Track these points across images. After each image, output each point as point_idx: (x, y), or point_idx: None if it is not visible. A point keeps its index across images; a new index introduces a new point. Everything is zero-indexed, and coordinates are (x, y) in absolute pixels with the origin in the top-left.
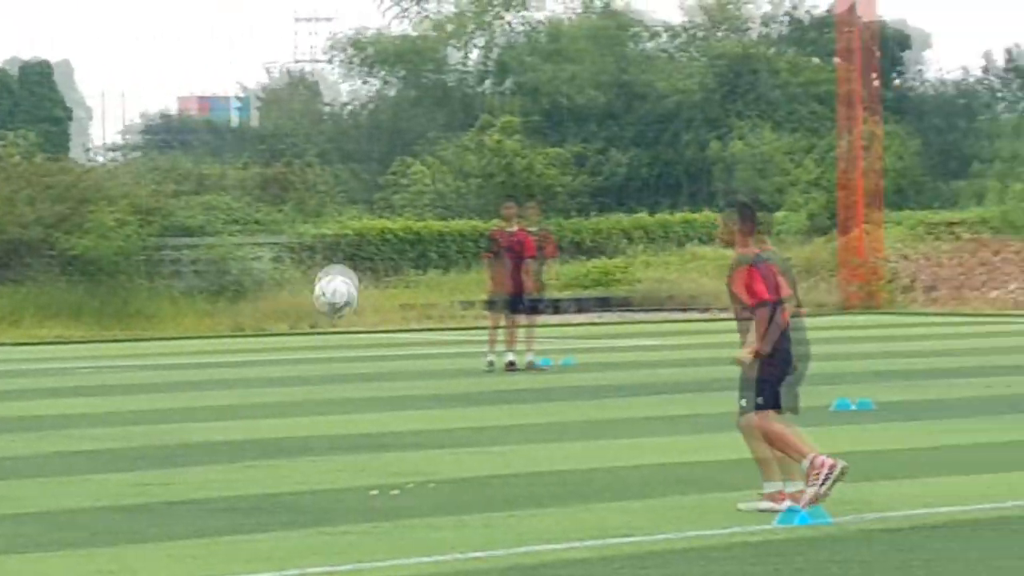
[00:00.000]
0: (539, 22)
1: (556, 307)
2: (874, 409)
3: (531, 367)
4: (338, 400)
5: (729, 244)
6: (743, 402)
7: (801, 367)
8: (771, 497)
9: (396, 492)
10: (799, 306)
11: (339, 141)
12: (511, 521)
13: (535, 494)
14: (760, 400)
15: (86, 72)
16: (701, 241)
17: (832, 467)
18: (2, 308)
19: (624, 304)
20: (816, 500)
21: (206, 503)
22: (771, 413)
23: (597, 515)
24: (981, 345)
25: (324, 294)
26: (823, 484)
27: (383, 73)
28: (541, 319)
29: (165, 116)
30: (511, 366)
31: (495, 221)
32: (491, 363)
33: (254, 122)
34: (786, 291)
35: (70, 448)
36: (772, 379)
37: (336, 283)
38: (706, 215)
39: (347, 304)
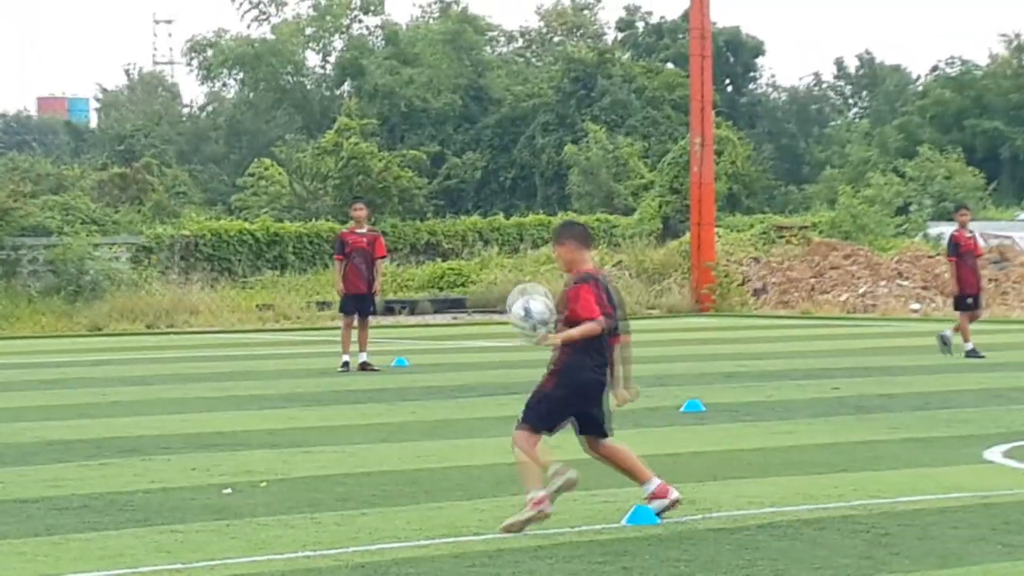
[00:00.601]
0: (378, 27)
1: (411, 308)
2: (706, 410)
3: (365, 367)
4: (194, 399)
5: (566, 266)
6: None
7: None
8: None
9: (237, 491)
10: (623, 332)
11: (181, 143)
12: (364, 519)
13: (388, 492)
14: (529, 414)
15: None
16: (543, 243)
17: (537, 507)
18: None
19: (476, 305)
20: (515, 528)
21: (59, 500)
22: (539, 438)
23: (449, 513)
24: (830, 347)
25: (525, 314)
26: (526, 519)
27: (240, 76)
28: (390, 320)
29: (13, 116)
30: (365, 366)
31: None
32: (346, 364)
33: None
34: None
35: None
36: (561, 399)
37: (537, 303)
38: (545, 218)
39: (543, 323)
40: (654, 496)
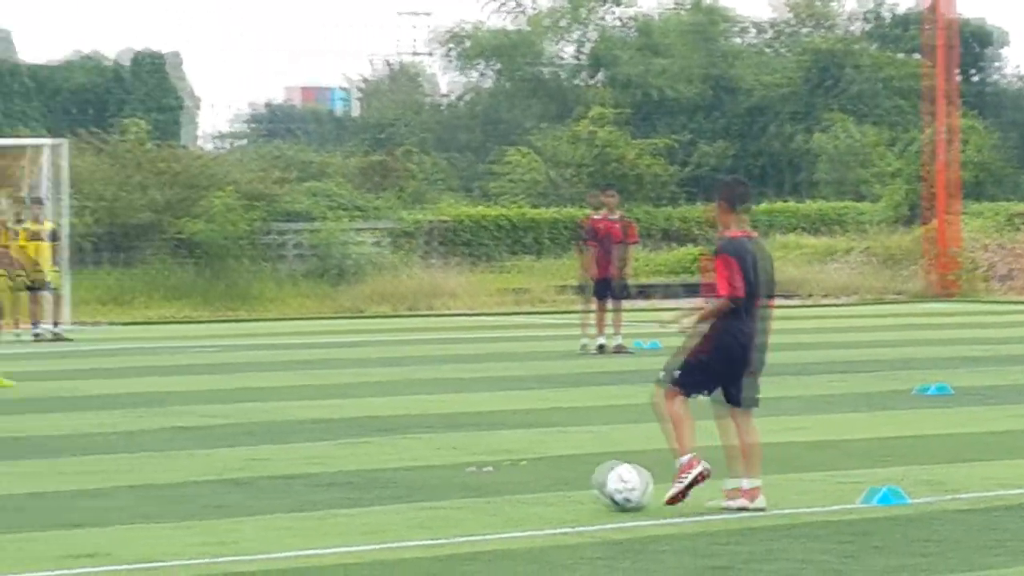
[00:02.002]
0: (630, 18)
1: (645, 293)
2: (953, 394)
3: (619, 350)
4: (451, 380)
5: (713, 225)
6: (661, 373)
7: (757, 360)
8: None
9: (490, 469)
10: (771, 296)
11: (439, 131)
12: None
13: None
14: (678, 376)
15: (194, 63)
16: (789, 230)
17: (699, 473)
18: (116, 289)
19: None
20: (677, 499)
21: (322, 477)
22: (681, 398)
23: (697, 493)
24: None
25: (622, 488)
26: (687, 485)
27: (481, 66)
28: (641, 304)
29: (272, 106)
30: (601, 349)
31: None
32: (584, 346)
33: (356, 112)
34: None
35: (195, 424)
36: (704, 369)
37: (636, 485)
38: (793, 205)
39: (630, 501)
40: (743, 493)
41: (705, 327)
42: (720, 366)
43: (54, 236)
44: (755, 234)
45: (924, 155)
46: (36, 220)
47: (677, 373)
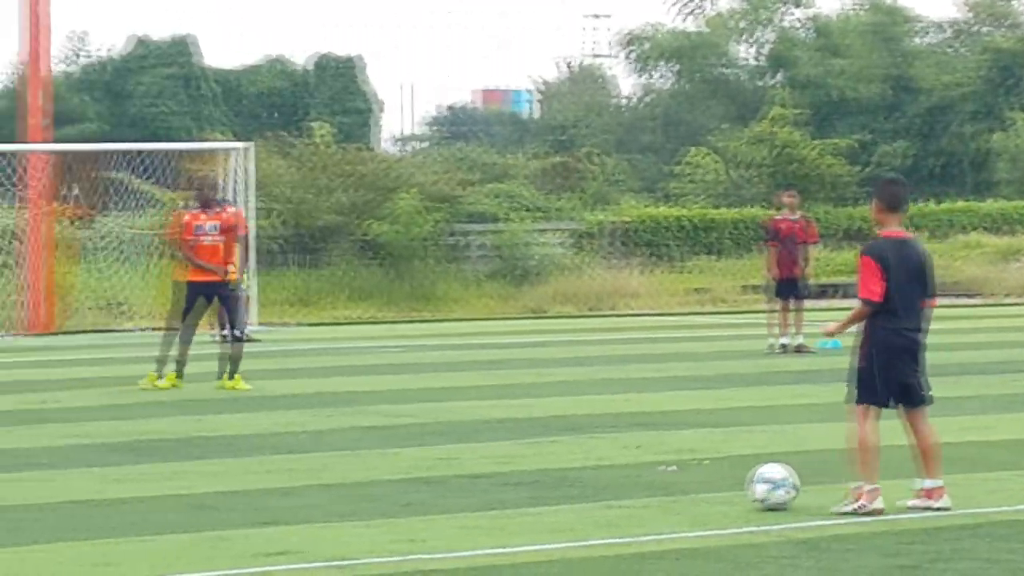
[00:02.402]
0: (808, 19)
1: (826, 292)
2: None
3: (800, 349)
4: (634, 379)
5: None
6: (846, 391)
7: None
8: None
9: (674, 468)
10: (931, 296)
11: (620, 133)
12: (803, 497)
13: (825, 471)
14: (855, 392)
15: (378, 67)
16: (970, 229)
17: (865, 508)
18: (310, 290)
19: None
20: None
21: (500, 477)
22: (872, 412)
23: (884, 491)
24: None
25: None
26: (850, 509)
27: (660, 67)
28: (823, 303)
29: (455, 108)
30: (784, 348)
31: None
32: (783, 346)
33: (537, 114)
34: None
35: (383, 423)
36: (869, 376)
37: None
38: (974, 204)
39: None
40: (924, 493)
41: (862, 334)
42: (880, 370)
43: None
44: (910, 235)
45: None
46: None
47: (854, 389)
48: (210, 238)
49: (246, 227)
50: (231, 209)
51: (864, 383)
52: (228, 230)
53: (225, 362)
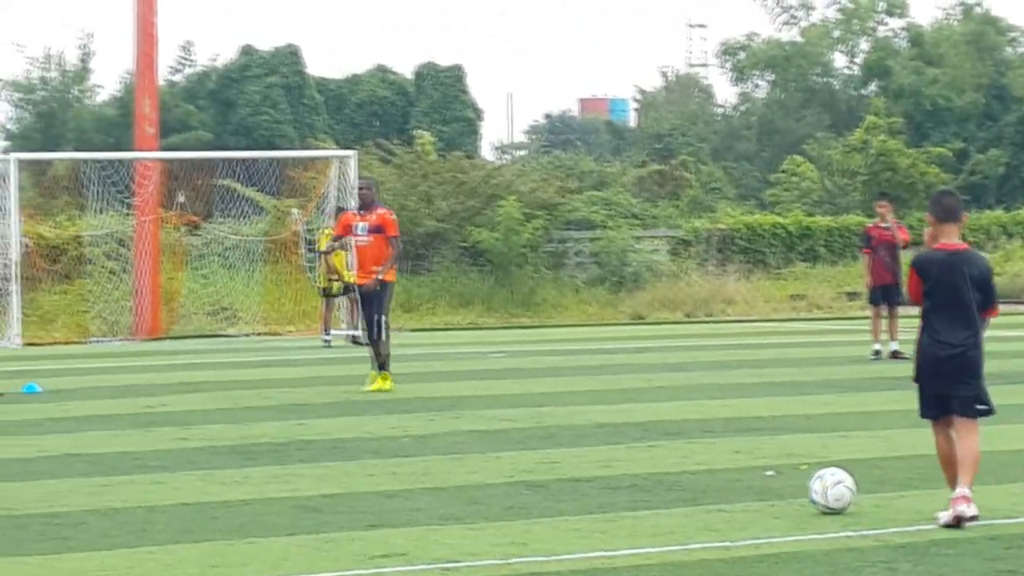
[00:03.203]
0: (903, 28)
1: None
2: None
3: (896, 356)
4: (732, 385)
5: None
6: None
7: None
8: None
9: (779, 473)
10: (989, 306)
11: (716, 141)
12: (902, 501)
13: (923, 476)
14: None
15: (479, 75)
16: None
17: (946, 522)
18: (419, 296)
19: (1002, 296)
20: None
21: (602, 481)
22: (935, 425)
23: (982, 496)
24: None
25: (829, 496)
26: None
27: (771, 77)
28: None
29: (558, 117)
30: (877, 355)
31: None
32: (877, 352)
33: (635, 123)
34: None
35: (485, 427)
36: (918, 385)
37: (840, 489)
38: None
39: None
40: (952, 502)
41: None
42: (925, 381)
43: None
44: (964, 246)
45: None
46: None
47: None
48: (363, 239)
49: (396, 229)
50: (381, 211)
51: (920, 398)
52: (377, 230)
53: (375, 361)
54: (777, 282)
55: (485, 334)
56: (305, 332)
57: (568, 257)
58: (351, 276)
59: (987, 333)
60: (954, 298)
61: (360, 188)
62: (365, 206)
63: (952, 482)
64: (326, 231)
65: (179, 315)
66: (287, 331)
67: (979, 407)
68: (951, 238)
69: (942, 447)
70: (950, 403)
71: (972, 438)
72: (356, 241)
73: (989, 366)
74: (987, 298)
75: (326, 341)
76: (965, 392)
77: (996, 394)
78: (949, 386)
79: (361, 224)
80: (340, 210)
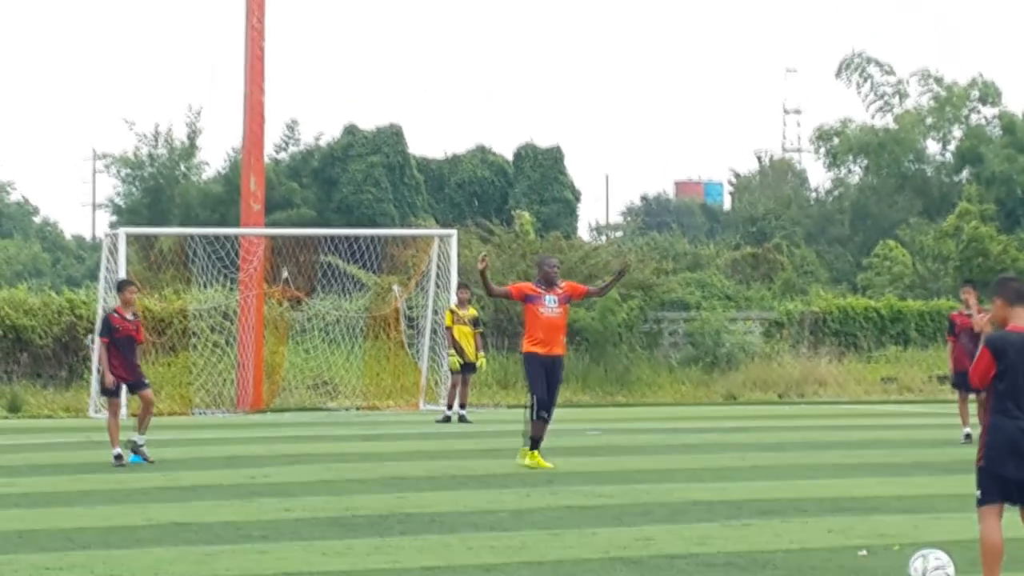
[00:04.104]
0: (996, 116)
1: None
2: None
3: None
4: (825, 465)
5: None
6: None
7: None
8: None
9: (872, 553)
10: None
11: (809, 225)
12: None
13: (1016, 558)
14: (978, 493)
15: (577, 157)
16: None
17: None
18: (516, 373)
19: None
20: None
21: (696, 558)
22: (993, 511)
23: None
24: None
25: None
26: None
27: (864, 162)
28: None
29: (654, 198)
30: (968, 438)
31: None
32: (967, 435)
33: (729, 205)
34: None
35: (581, 503)
36: (988, 468)
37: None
38: None
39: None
40: None
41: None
42: (994, 466)
43: (476, 323)
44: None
45: None
46: (460, 306)
47: (977, 490)
48: (551, 311)
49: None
50: (564, 284)
51: (982, 483)
52: (564, 303)
53: (527, 437)
54: (869, 365)
55: (581, 412)
56: (403, 407)
57: (663, 337)
58: (479, 356)
59: None
60: (1017, 382)
61: (554, 266)
62: (550, 283)
63: (991, 573)
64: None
65: (281, 388)
66: (386, 405)
67: None
68: (1020, 320)
69: (996, 536)
70: (1019, 492)
71: None
72: (544, 313)
73: None
74: None
75: (461, 416)
76: None
77: None
78: (1020, 473)
79: (550, 297)
80: (462, 287)
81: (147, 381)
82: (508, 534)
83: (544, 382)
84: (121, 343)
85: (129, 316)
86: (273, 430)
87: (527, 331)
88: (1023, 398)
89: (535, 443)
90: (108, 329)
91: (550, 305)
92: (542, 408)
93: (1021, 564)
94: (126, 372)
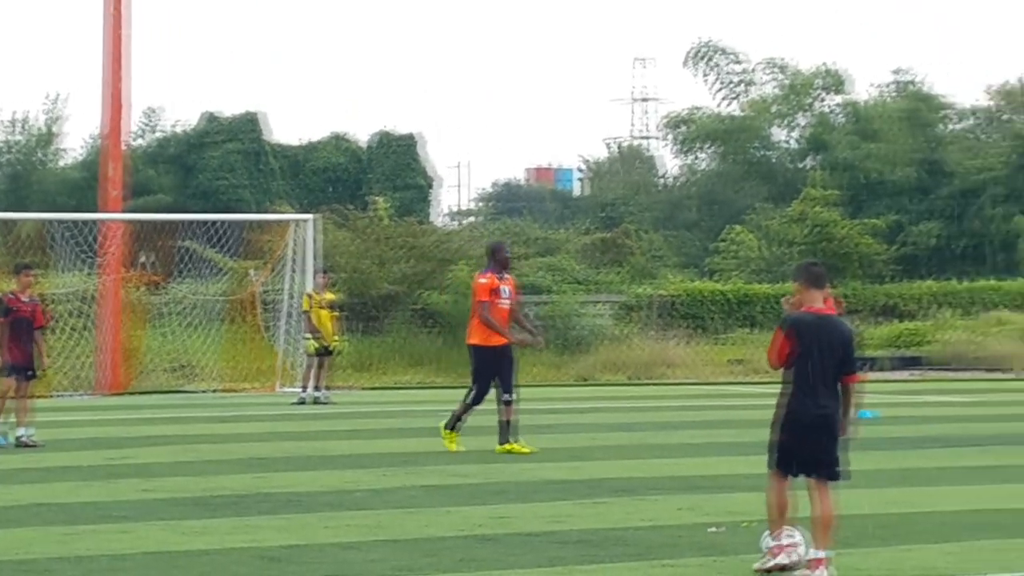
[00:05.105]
0: (844, 104)
1: (872, 364)
2: None
3: None
4: (677, 444)
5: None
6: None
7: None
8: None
9: (720, 529)
10: (851, 373)
11: (661, 210)
12: (843, 559)
13: (862, 535)
14: (772, 459)
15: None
16: (1009, 307)
17: (774, 565)
18: (372, 356)
19: (935, 363)
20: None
21: (552, 536)
22: (780, 478)
23: (919, 556)
24: None
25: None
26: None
27: (708, 149)
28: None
29: (510, 185)
30: None
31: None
32: None
33: (583, 192)
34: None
35: (438, 482)
36: (780, 443)
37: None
38: (996, 284)
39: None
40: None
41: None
42: (790, 442)
43: (334, 307)
44: (831, 311)
45: None
46: (319, 290)
47: (772, 454)
48: (507, 302)
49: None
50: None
51: (777, 452)
52: (515, 295)
53: (506, 430)
54: (717, 347)
55: (436, 393)
56: (261, 389)
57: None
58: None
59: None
60: (823, 363)
61: (507, 252)
62: (506, 267)
63: (780, 531)
64: (308, 293)
65: (140, 371)
66: (244, 388)
67: (839, 470)
68: (817, 303)
69: (783, 498)
70: (811, 466)
71: (831, 500)
72: (502, 304)
73: (930, 430)
74: (851, 363)
75: (317, 399)
76: (829, 455)
77: (924, 458)
78: (816, 448)
79: (505, 288)
80: (321, 272)
81: (33, 374)
82: (365, 513)
83: (490, 377)
84: (16, 325)
85: (25, 299)
86: (133, 412)
87: (483, 323)
88: (818, 377)
89: (456, 423)
90: (4, 310)
91: (505, 296)
92: (479, 401)
93: (850, 542)
94: (20, 356)
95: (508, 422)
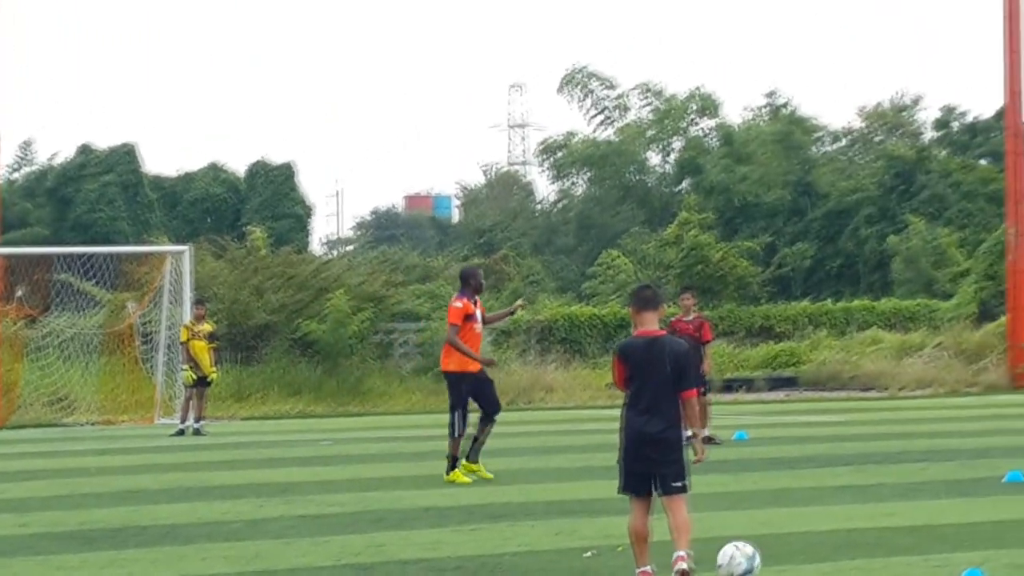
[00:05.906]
0: (714, 128)
1: (730, 387)
2: None
3: (708, 441)
4: (553, 469)
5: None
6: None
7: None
8: None
9: (597, 554)
10: (685, 389)
11: (536, 236)
12: None
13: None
14: (620, 484)
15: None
16: (866, 326)
17: None
18: (251, 386)
19: (809, 384)
20: None
21: (427, 563)
22: (635, 501)
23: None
24: None
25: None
26: None
27: (588, 174)
28: (729, 397)
29: (385, 213)
30: (709, 440)
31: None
32: (689, 437)
33: (458, 218)
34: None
35: (314, 512)
36: (621, 464)
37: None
38: (869, 303)
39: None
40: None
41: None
42: (631, 461)
43: (211, 338)
44: (662, 333)
45: (993, 255)
46: (196, 321)
47: (620, 478)
48: (479, 326)
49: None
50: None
51: (622, 474)
52: (486, 320)
53: (478, 448)
54: (595, 371)
55: (314, 422)
56: (139, 421)
57: (394, 348)
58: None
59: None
60: (655, 383)
61: (482, 278)
62: (479, 292)
63: (642, 558)
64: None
65: (17, 405)
66: (122, 420)
67: (681, 483)
68: (649, 325)
69: (639, 524)
70: (653, 481)
71: (683, 510)
72: (477, 329)
73: (804, 450)
74: (685, 380)
75: (196, 430)
76: (668, 470)
77: (797, 479)
78: (654, 466)
79: (479, 313)
80: (198, 303)
81: None
82: (242, 543)
83: (467, 402)
84: None
85: None
86: (9, 447)
87: (451, 346)
88: (649, 398)
89: (455, 462)
90: None
91: (479, 320)
92: (465, 426)
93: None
94: None
95: (482, 442)
